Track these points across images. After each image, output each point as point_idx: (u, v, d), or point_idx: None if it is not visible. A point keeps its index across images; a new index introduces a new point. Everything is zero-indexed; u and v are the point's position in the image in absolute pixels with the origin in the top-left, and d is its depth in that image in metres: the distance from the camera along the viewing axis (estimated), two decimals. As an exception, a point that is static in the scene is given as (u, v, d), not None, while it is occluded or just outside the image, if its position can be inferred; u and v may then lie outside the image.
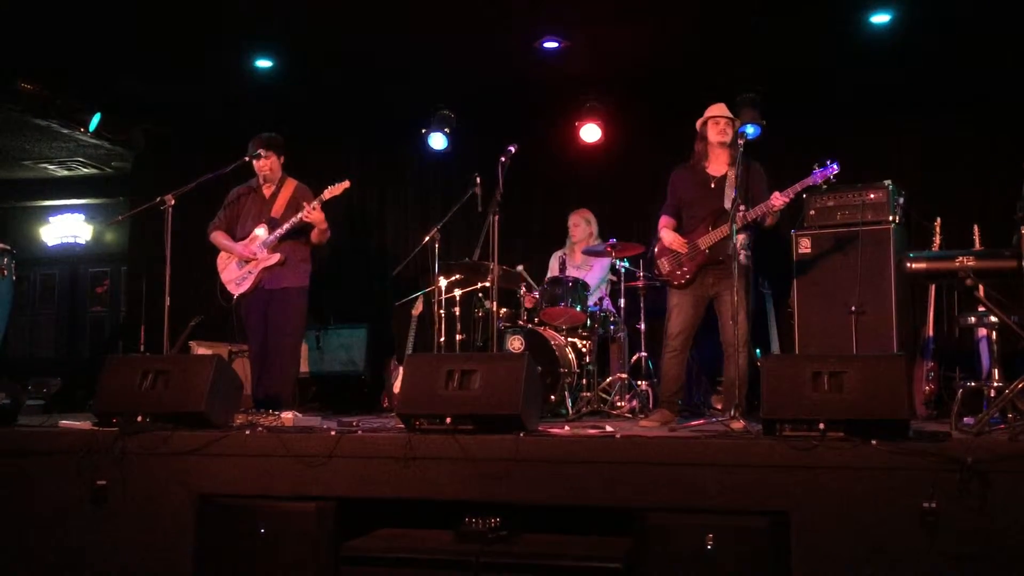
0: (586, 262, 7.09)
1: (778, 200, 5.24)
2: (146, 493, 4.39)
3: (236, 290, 5.97)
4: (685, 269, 5.44)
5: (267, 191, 6.09)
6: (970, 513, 3.52)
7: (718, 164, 5.54)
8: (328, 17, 6.48)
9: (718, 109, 5.56)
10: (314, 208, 5.77)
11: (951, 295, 6.16)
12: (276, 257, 5.87)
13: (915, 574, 3.58)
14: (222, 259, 6.10)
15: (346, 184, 5.88)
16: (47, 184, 10.92)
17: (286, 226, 5.87)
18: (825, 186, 5.35)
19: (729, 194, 5.41)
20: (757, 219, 5.32)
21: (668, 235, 5.55)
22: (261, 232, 5.96)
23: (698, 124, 5.61)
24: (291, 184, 6.09)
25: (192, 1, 6.25)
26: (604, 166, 8.03)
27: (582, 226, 7.20)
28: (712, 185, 5.49)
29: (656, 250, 5.66)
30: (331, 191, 5.84)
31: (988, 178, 7.08)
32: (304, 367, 7.42)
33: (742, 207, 5.22)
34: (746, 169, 5.38)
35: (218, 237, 6.10)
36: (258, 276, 5.90)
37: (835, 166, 5.22)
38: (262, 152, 5.97)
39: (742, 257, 5.32)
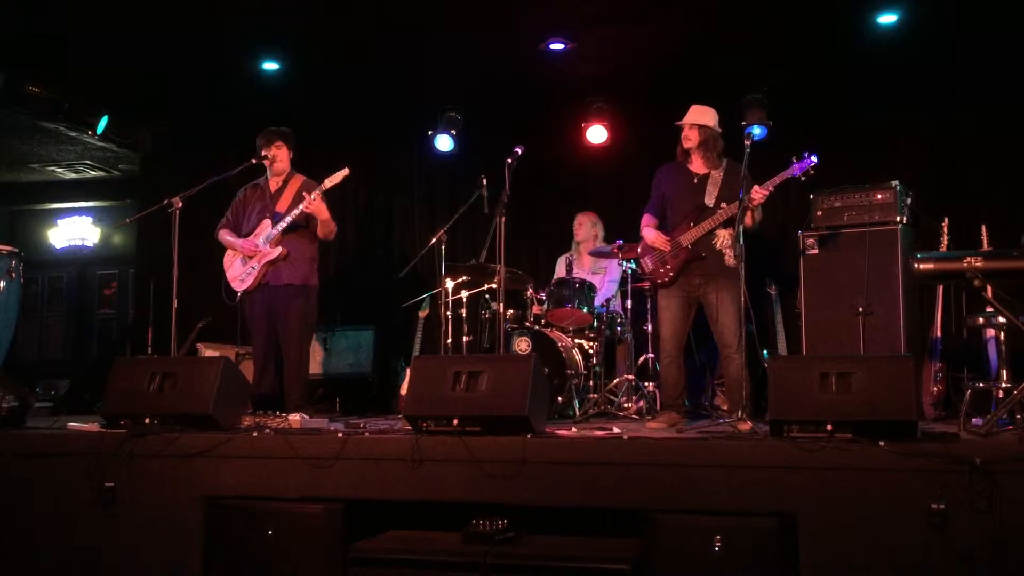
0: (599, 265, 7.09)
1: (757, 194, 5.20)
2: (154, 495, 4.40)
3: (240, 287, 5.95)
4: (668, 267, 5.44)
5: (273, 186, 6.07)
6: (978, 514, 3.52)
7: (700, 164, 5.54)
8: (335, 18, 6.48)
9: (688, 115, 5.52)
10: (314, 198, 5.76)
11: (959, 296, 6.14)
12: (278, 251, 5.85)
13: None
14: (228, 257, 6.08)
15: (345, 172, 5.86)
16: (55, 187, 10.94)
17: (288, 219, 5.86)
18: (804, 178, 5.29)
19: (712, 192, 5.41)
20: (737, 214, 5.28)
21: (650, 233, 5.55)
22: (265, 227, 5.95)
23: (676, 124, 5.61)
24: (298, 179, 6.08)
25: (199, 3, 6.26)
26: (611, 167, 8.02)
27: (586, 226, 7.19)
28: (695, 182, 5.49)
29: (639, 248, 5.67)
30: (331, 180, 5.83)
31: (996, 178, 7.06)
32: (312, 368, 7.43)
33: (723, 204, 5.22)
34: (728, 167, 5.39)
35: (224, 235, 6.09)
36: (261, 271, 5.88)
37: (813, 158, 5.20)
38: (273, 149, 5.98)
39: (728, 258, 5.31)
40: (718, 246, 5.33)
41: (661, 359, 5.53)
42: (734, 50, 6.94)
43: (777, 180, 5.24)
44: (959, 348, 6.03)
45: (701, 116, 5.50)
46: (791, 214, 7.17)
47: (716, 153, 5.48)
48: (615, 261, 6.77)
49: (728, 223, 5.32)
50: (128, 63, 7.25)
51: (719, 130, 5.53)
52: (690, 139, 5.48)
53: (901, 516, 3.61)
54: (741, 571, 3.77)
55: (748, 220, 5.33)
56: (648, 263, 5.57)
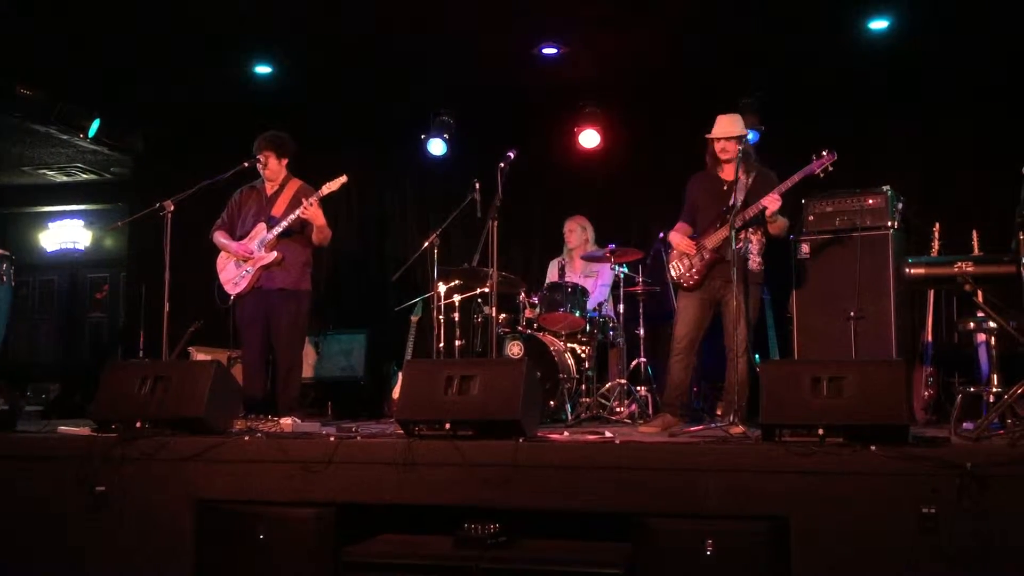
0: (590, 268, 7.09)
1: (769, 200, 5.18)
2: (145, 499, 4.38)
3: (233, 290, 5.91)
4: (695, 270, 5.43)
5: (269, 189, 6.05)
6: (969, 518, 3.52)
7: (730, 170, 5.53)
8: (327, 23, 6.49)
9: (721, 128, 5.46)
10: (311, 204, 5.75)
11: (950, 300, 6.16)
12: (273, 255, 5.83)
13: (915, 579, 3.59)
14: (221, 259, 6.05)
15: (343, 179, 5.85)
16: (46, 190, 10.92)
17: (284, 223, 5.84)
18: (823, 175, 5.30)
19: (739, 196, 5.39)
20: (755, 216, 5.28)
21: (676, 237, 5.55)
22: (260, 231, 5.94)
23: (708, 136, 5.54)
24: (295, 184, 6.05)
25: (192, 6, 6.26)
26: (603, 172, 8.03)
27: (577, 232, 7.19)
28: (724, 188, 5.49)
29: (668, 255, 5.66)
30: (329, 187, 5.82)
31: (987, 183, 7.08)
32: (304, 372, 7.42)
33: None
34: (758, 175, 5.39)
35: (218, 237, 6.06)
36: (255, 275, 5.86)
37: (833, 154, 5.20)
38: (260, 158, 5.98)
39: (752, 263, 5.32)
40: (742, 249, 5.31)
41: (671, 357, 5.47)
42: (726, 54, 6.96)
43: (797, 178, 5.24)
44: (950, 352, 6.06)
45: (734, 126, 5.46)
46: (789, 220, 7.18)
47: (749, 160, 5.45)
48: (607, 265, 6.77)
49: (751, 223, 5.31)
50: (121, 65, 7.24)
51: (747, 134, 5.54)
52: (728, 151, 5.43)
53: (892, 520, 3.62)
54: (733, 574, 3.77)
55: (774, 228, 5.35)
56: (677, 268, 5.53)
